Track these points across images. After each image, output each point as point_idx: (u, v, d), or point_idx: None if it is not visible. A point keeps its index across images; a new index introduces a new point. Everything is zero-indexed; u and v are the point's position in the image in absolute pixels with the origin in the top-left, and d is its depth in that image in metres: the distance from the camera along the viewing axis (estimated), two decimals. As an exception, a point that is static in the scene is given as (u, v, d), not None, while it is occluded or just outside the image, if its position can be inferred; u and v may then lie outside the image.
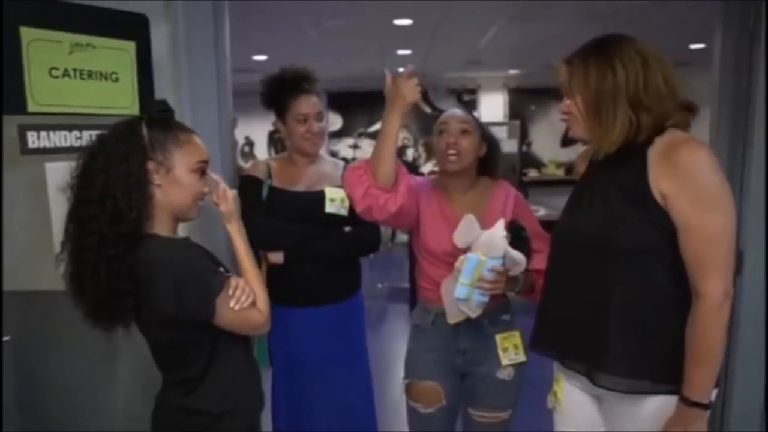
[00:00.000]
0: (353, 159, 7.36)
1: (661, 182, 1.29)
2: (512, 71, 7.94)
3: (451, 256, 1.76)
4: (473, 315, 1.72)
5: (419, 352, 1.95)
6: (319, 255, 2.07)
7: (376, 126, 8.49)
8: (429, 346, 1.92)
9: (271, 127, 8.42)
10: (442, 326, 1.84)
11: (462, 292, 1.67)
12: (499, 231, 1.68)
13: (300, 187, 2.13)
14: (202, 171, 1.40)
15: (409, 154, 8.38)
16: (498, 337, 1.88)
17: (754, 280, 1.90)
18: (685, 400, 1.29)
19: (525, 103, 8.36)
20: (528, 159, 8.33)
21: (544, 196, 6.25)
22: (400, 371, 2.01)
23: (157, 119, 1.37)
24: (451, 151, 1.84)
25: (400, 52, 6.15)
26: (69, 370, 1.88)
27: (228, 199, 1.47)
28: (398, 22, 4.68)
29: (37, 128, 1.65)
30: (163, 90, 1.86)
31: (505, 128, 7.62)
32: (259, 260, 1.66)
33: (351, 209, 2.04)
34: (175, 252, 1.33)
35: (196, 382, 1.38)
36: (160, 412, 1.45)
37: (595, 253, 1.37)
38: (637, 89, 1.31)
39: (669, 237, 1.30)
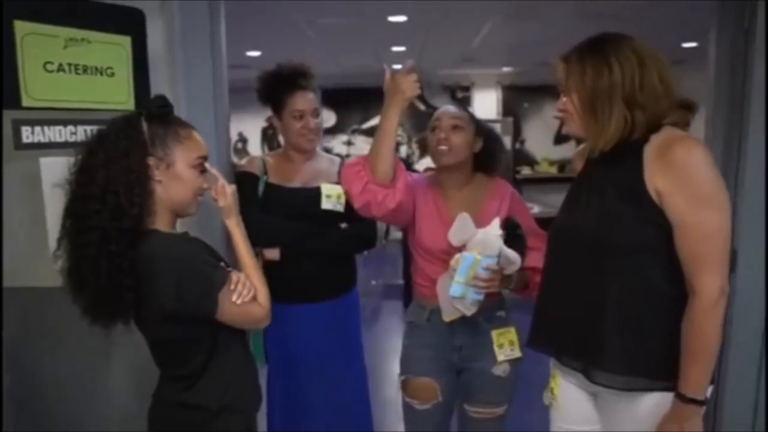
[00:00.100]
0: (347, 156, 7.35)
1: (656, 180, 1.29)
2: (506, 69, 7.95)
3: (446, 254, 1.76)
4: (468, 313, 1.73)
5: (415, 348, 1.95)
6: (316, 252, 2.07)
7: (370, 123, 8.50)
8: (424, 342, 1.92)
9: (264, 124, 8.40)
10: (438, 323, 1.85)
11: (457, 291, 1.67)
12: (494, 230, 1.68)
13: (296, 184, 2.13)
14: (201, 166, 1.40)
15: (403, 151, 8.38)
16: (493, 334, 1.89)
17: (748, 277, 1.91)
18: (680, 397, 1.30)
19: (518, 100, 8.37)
20: (521, 156, 8.35)
21: (537, 193, 6.28)
22: (394, 368, 2.02)
23: (157, 114, 1.36)
24: (442, 147, 1.84)
25: (395, 48, 6.14)
26: (63, 367, 1.87)
27: (227, 194, 1.47)
28: (393, 18, 4.67)
29: (32, 123, 1.63)
30: (158, 86, 1.85)
31: (498, 126, 7.64)
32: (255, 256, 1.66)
33: (347, 205, 2.04)
34: (176, 247, 1.33)
35: (195, 378, 1.38)
36: (157, 409, 1.45)
37: (592, 251, 1.38)
38: (633, 87, 1.31)
39: (665, 235, 1.30)
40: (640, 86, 1.31)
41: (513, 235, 1.74)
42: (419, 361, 1.93)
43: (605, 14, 4.20)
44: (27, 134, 1.63)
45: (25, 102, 1.61)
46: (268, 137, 8.54)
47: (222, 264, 1.40)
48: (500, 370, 1.88)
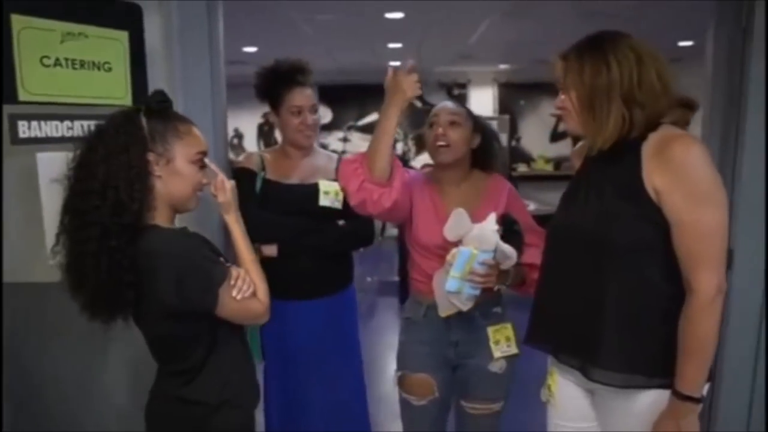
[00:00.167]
0: (343, 152, 7.35)
1: (654, 178, 1.30)
2: (502, 66, 7.94)
3: (442, 249, 1.77)
4: (464, 308, 1.73)
5: (411, 344, 1.96)
6: (314, 248, 2.07)
7: (366, 119, 8.48)
8: (420, 338, 1.93)
9: (260, 120, 8.38)
10: (434, 319, 1.85)
11: (453, 285, 1.67)
12: (490, 225, 1.68)
13: (294, 180, 2.12)
14: (201, 162, 1.40)
15: (399, 147, 8.37)
16: (490, 330, 1.89)
17: (744, 275, 1.92)
18: (677, 394, 1.31)
19: (514, 98, 8.37)
20: (517, 154, 8.35)
21: (533, 190, 6.27)
22: (389, 364, 2.03)
23: (156, 110, 1.35)
24: (440, 143, 1.85)
25: (391, 45, 6.13)
26: (59, 363, 1.86)
27: (226, 189, 1.47)
28: (390, 15, 4.66)
29: (28, 118, 1.63)
30: (156, 81, 1.85)
31: (494, 123, 7.63)
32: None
33: (345, 202, 2.04)
34: (176, 243, 1.32)
35: (194, 372, 1.38)
36: (155, 405, 1.44)
37: (590, 249, 1.38)
38: (631, 85, 1.32)
39: (662, 233, 1.31)
40: (638, 84, 1.32)
41: (510, 231, 1.74)
42: (415, 356, 1.93)
43: (602, 13, 4.21)
44: (24, 129, 1.62)
45: (22, 96, 1.60)
46: (264, 133, 8.52)
47: (222, 259, 1.40)
48: (496, 367, 1.89)
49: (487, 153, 1.95)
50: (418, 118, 7.83)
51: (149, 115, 1.34)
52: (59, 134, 1.69)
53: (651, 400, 1.35)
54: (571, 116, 1.42)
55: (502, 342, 1.89)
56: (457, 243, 1.71)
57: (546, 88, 7.81)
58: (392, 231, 5.29)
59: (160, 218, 1.35)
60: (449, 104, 1.92)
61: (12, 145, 1.61)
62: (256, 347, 2.12)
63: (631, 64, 1.32)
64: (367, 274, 5.81)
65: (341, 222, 2.10)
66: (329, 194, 2.06)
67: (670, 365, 1.32)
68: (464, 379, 1.93)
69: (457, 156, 1.87)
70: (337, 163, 2.21)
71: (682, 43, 5.73)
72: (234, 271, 1.36)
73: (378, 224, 2.24)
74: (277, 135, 2.20)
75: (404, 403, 1.99)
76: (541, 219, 1.94)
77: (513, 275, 1.79)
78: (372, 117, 8.47)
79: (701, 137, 2.09)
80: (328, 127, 8.38)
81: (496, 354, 1.88)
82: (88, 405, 1.90)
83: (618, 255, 1.34)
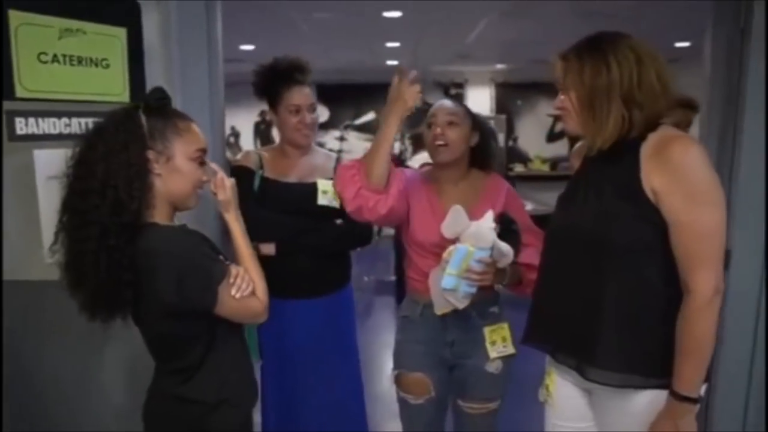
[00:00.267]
0: (340, 151, 7.35)
1: (652, 178, 1.30)
2: (499, 66, 7.95)
3: (438, 247, 1.77)
4: (460, 306, 1.73)
5: (407, 343, 1.96)
6: (312, 247, 2.07)
7: (363, 118, 8.48)
8: (416, 338, 1.93)
9: (256, 118, 8.36)
10: (430, 318, 1.85)
11: (449, 283, 1.67)
12: (487, 222, 1.68)
13: (292, 179, 2.12)
14: (201, 159, 1.39)
15: (396, 147, 8.37)
16: (486, 330, 1.89)
17: (741, 276, 1.92)
18: (674, 394, 1.31)
19: (511, 97, 8.38)
20: (514, 154, 8.36)
21: (530, 190, 6.28)
22: (386, 363, 2.03)
23: (155, 107, 1.35)
24: (439, 142, 1.85)
25: (389, 44, 6.13)
26: (55, 362, 1.85)
27: (226, 187, 1.46)
28: (387, 14, 4.66)
29: (26, 114, 1.62)
30: (154, 78, 1.84)
31: (491, 123, 7.62)
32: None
33: (342, 201, 2.04)
34: (175, 241, 1.32)
35: (192, 371, 1.37)
36: (153, 403, 1.44)
37: (589, 249, 1.38)
38: (631, 86, 1.32)
39: (661, 233, 1.31)
40: (638, 84, 1.32)
41: (508, 231, 1.74)
42: (412, 356, 1.94)
43: (599, 13, 4.22)
44: (21, 126, 1.61)
45: (19, 93, 1.59)
46: (261, 132, 8.50)
47: (221, 257, 1.40)
48: (493, 367, 1.89)
49: (485, 152, 1.95)
50: (415, 117, 7.77)
51: (148, 112, 1.33)
52: (57, 131, 1.68)
53: (648, 400, 1.36)
54: (571, 116, 1.42)
55: (498, 342, 1.89)
56: (454, 241, 1.72)
57: (543, 88, 7.82)
58: (389, 230, 5.28)
59: (160, 216, 1.34)
60: (447, 103, 1.92)
61: (9, 141, 1.60)
62: (254, 346, 2.11)
63: (631, 65, 1.32)
64: (363, 274, 5.81)
65: (339, 221, 2.10)
66: (327, 193, 2.05)
67: (668, 365, 1.32)
68: (461, 379, 1.93)
69: (456, 155, 1.87)
70: (336, 162, 2.22)
71: (678, 44, 5.75)
72: (233, 269, 1.35)
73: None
74: (274, 133, 2.20)
75: (402, 402, 1.99)
76: (537, 219, 1.95)
77: (510, 275, 1.79)
78: (369, 116, 8.46)
79: (699, 137, 2.09)
80: (324, 126, 8.37)
81: (492, 354, 1.88)
82: (86, 404, 1.89)
83: (617, 255, 1.35)
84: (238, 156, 2.26)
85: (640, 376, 1.36)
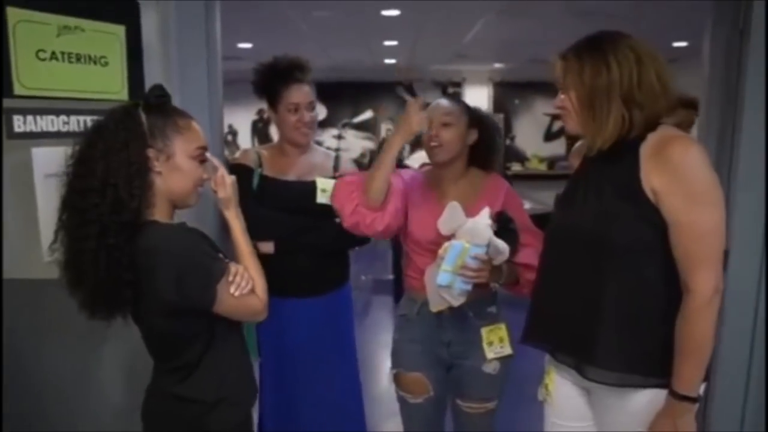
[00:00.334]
0: (338, 149, 7.34)
1: (652, 178, 1.30)
2: (497, 65, 7.96)
3: (435, 245, 1.77)
4: (455, 303, 1.72)
5: (404, 342, 1.97)
6: (311, 246, 2.07)
7: (361, 117, 8.48)
8: (413, 336, 1.94)
9: (254, 116, 8.35)
10: (427, 317, 1.85)
11: (444, 279, 1.67)
12: (483, 219, 1.68)
13: (291, 177, 2.11)
14: (201, 157, 1.39)
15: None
16: (483, 331, 1.89)
17: (739, 276, 1.92)
18: (674, 394, 1.31)
19: (509, 97, 8.39)
20: (511, 153, 8.37)
21: (527, 189, 6.28)
22: (383, 363, 2.03)
23: (155, 105, 1.34)
24: (433, 143, 1.85)
25: (387, 43, 6.12)
26: (54, 361, 1.84)
27: (227, 185, 1.46)
28: (386, 12, 4.65)
29: (24, 112, 1.60)
30: (152, 78, 1.82)
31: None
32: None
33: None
34: (174, 239, 1.31)
35: (191, 369, 1.36)
36: (152, 402, 1.43)
37: (589, 249, 1.38)
38: (631, 86, 1.32)
39: (660, 233, 1.31)
40: (638, 84, 1.32)
41: (506, 230, 1.74)
42: (409, 355, 1.94)
43: (597, 13, 4.22)
44: (19, 123, 1.60)
45: (17, 90, 1.58)
46: (259, 130, 8.49)
47: (220, 255, 1.39)
48: (490, 368, 1.89)
49: (485, 150, 1.94)
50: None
51: (148, 110, 1.33)
52: (55, 129, 1.67)
53: (647, 400, 1.36)
54: (571, 116, 1.42)
55: (495, 343, 1.89)
56: (450, 238, 1.71)
57: (541, 88, 7.84)
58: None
59: (159, 214, 1.34)
60: (443, 103, 1.91)
61: (7, 139, 1.59)
62: (253, 344, 2.11)
63: (631, 65, 1.32)
64: (361, 272, 5.81)
65: (338, 220, 2.09)
66: (326, 192, 2.04)
67: (667, 365, 1.32)
68: (458, 379, 1.93)
69: (451, 155, 1.87)
70: (335, 160, 2.22)
71: (676, 44, 5.75)
72: (232, 267, 1.35)
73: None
74: (272, 132, 2.20)
75: (401, 401, 2.00)
76: (535, 218, 1.94)
77: (506, 274, 1.79)
78: (367, 114, 8.47)
79: (698, 137, 2.09)
80: (322, 125, 8.37)
81: (490, 355, 1.88)
82: (84, 403, 1.88)
83: (616, 255, 1.35)
84: (237, 154, 2.26)
85: (639, 376, 1.36)
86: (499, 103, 8.33)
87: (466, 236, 1.67)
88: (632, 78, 1.32)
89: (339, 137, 8.45)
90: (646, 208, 1.31)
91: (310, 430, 2.16)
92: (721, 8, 2.00)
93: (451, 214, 1.72)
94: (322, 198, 2.05)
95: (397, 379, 1.99)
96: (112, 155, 1.26)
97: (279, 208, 2.04)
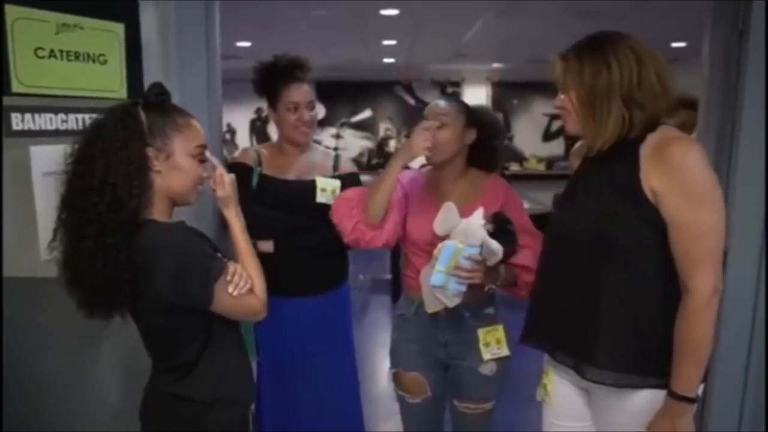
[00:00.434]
0: (336, 149, 7.34)
1: (651, 178, 1.30)
2: (496, 65, 7.96)
3: (432, 245, 1.76)
4: (450, 305, 1.72)
5: (402, 342, 1.97)
6: (310, 245, 2.06)
7: (359, 116, 8.47)
8: (410, 336, 1.94)
9: (252, 115, 8.33)
10: (423, 317, 1.85)
11: (438, 279, 1.67)
12: (477, 219, 1.68)
13: (290, 176, 2.11)
14: (201, 155, 1.38)
15: (392, 145, 8.38)
16: (480, 332, 1.88)
17: (737, 276, 1.92)
18: (672, 394, 1.32)
19: (508, 97, 8.39)
20: (509, 153, 8.37)
21: (525, 189, 6.28)
22: (381, 362, 2.03)
23: (154, 103, 1.33)
24: (428, 144, 1.84)
25: (386, 42, 6.12)
26: (52, 360, 1.84)
27: (225, 183, 1.44)
28: (385, 12, 4.65)
29: (22, 110, 1.60)
30: (151, 75, 1.82)
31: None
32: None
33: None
34: (173, 238, 1.30)
35: (188, 368, 1.36)
36: (149, 402, 1.43)
37: (588, 249, 1.38)
38: (631, 86, 1.32)
39: (660, 234, 1.31)
40: (638, 84, 1.32)
41: (503, 231, 1.73)
42: (407, 355, 1.94)
43: (595, 12, 4.23)
44: (17, 121, 1.59)
45: (16, 88, 1.57)
46: (257, 129, 8.47)
47: (219, 255, 1.39)
48: (487, 369, 1.88)
49: (484, 150, 1.93)
50: (411, 115, 7.81)
51: (147, 108, 1.32)
52: (53, 127, 1.67)
53: (646, 400, 1.36)
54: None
55: (492, 344, 1.88)
56: (446, 238, 1.71)
57: (539, 88, 7.83)
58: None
59: (158, 213, 1.33)
60: (440, 104, 1.90)
61: (5, 137, 1.58)
62: (251, 343, 2.10)
63: (631, 65, 1.32)
64: (359, 272, 5.80)
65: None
66: (326, 191, 2.05)
67: (666, 365, 1.32)
68: (456, 380, 1.93)
69: (447, 155, 1.86)
70: (334, 160, 2.22)
71: (675, 44, 5.76)
72: (231, 266, 1.34)
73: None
74: (270, 130, 2.20)
75: (400, 400, 2.01)
76: (533, 218, 1.94)
77: (503, 275, 1.79)
78: (365, 114, 8.46)
79: (697, 137, 2.09)
80: (321, 124, 8.35)
81: (486, 356, 1.87)
82: (82, 402, 1.88)
83: (616, 255, 1.35)
84: (236, 153, 2.26)
85: (638, 376, 1.36)
86: (497, 103, 8.32)
87: (460, 237, 1.67)
88: (632, 78, 1.32)
89: (337, 136, 8.44)
90: (646, 209, 1.31)
91: (308, 430, 2.16)
92: (721, 8, 2.00)
93: (446, 215, 1.72)
94: (321, 197, 2.05)
95: (395, 378, 1.99)
96: (111, 154, 1.25)
97: (278, 207, 2.04)
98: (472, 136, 1.90)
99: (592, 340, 1.37)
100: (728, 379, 2.01)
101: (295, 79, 2.07)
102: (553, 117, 7.93)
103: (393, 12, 4.65)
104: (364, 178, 2.25)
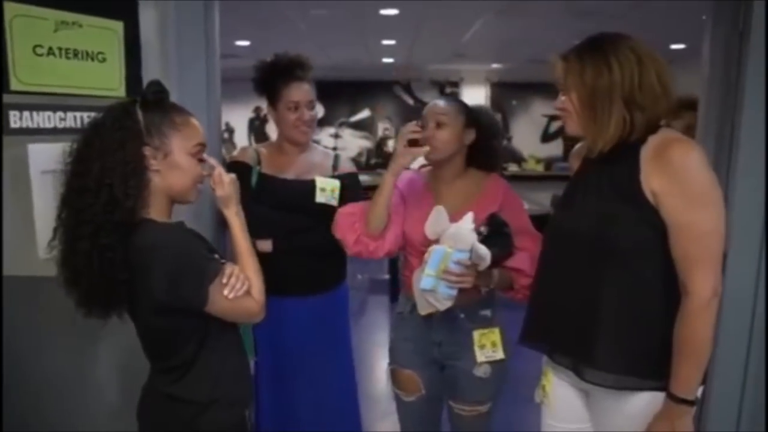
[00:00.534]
0: (335, 148, 7.34)
1: (652, 180, 1.30)
2: (495, 65, 7.96)
3: (426, 246, 1.76)
4: (442, 307, 1.71)
5: (398, 341, 1.98)
6: (309, 245, 2.06)
7: (358, 116, 8.47)
8: (406, 335, 1.94)
9: (251, 114, 8.33)
10: (418, 316, 1.84)
11: (427, 283, 1.66)
12: (466, 224, 1.67)
13: (290, 175, 2.11)
14: (200, 154, 1.37)
15: (390, 145, 8.37)
16: (476, 334, 1.87)
17: (735, 278, 1.92)
18: (671, 396, 1.31)
19: (506, 97, 8.39)
20: (508, 153, 8.36)
21: (524, 190, 6.28)
22: (379, 362, 2.03)
23: (152, 101, 1.33)
24: (426, 144, 1.84)
25: (385, 42, 6.11)
26: (50, 360, 1.83)
27: (224, 183, 1.43)
28: (384, 12, 4.65)
29: (20, 108, 1.59)
30: (150, 73, 1.81)
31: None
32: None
33: (340, 199, 2.04)
34: (171, 238, 1.30)
35: (185, 369, 1.35)
36: (147, 402, 1.43)
37: (588, 250, 1.38)
38: (632, 87, 1.32)
39: (660, 236, 1.31)
40: (639, 86, 1.32)
41: (500, 233, 1.72)
42: (403, 353, 1.95)
43: (595, 13, 4.23)
44: (15, 119, 1.59)
45: (14, 86, 1.57)
46: (255, 128, 8.47)
47: (216, 256, 1.38)
48: (481, 371, 1.86)
49: (483, 150, 1.93)
50: (410, 115, 7.82)
51: (145, 107, 1.31)
52: (51, 125, 1.66)
53: (645, 402, 1.36)
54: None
55: (487, 346, 1.87)
56: (438, 242, 1.71)
57: (538, 89, 7.83)
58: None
59: (156, 212, 1.32)
60: (439, 103, 1.89)
61: (3, 135, 1.58)
62: (249, 343, 2.09)
63: (632, 66, 1.32)
64: (357, 272, 5.80)
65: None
66: (326, 191, 2.04)
67: (665, 367, 1.32)
68: (451, 380, 1.92)
69: (445, 155, 1.85)
70: (334, 160, 2.21)
71: (674, 46, 5.76)
72: (228, 268, 1.33)
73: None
74: (268, 130, 2.20)
75: (397, 399, 2.01)
76: (531, 219, 1.93)
77: (498, 279, 1.78)
78: (364, 113, 8.46)
79: (697, 138, 2.09)
80: (319, 123, 8.31)
81: (480, 358, 1.86)
82: (82, 402, 1.87)
83: (615, 256, 1.34)
84: (235, 152, 2.25)
85: (637, 378, 1.36)
86: (496, 104, 8.32)
87: (450, 241, 1.66)
88: (633, 79, 1.31)
89: (336, 136, 8.44)
90: (646, 210, 1.31)
91: (306, 430, 2.16)
92: (721, 9, 2.00)
93: (436, 219, 1.71)
94: (321, 197, 2.04)
95: (392, 375, 1.99)
96: (108, 155, 1.24)
97: (277, 206, 2.03)
98: (471, 136, 1.89)
99: (592, 342, 1.37)
100: (727, 380, 2.01)
101: (295, 78, 2.06)
102: (552, 118, 7.94)
103: (392, 12, 4.65)
104: (363, 178, 2.25)
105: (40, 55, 1.61)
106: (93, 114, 1.37)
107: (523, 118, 8.40)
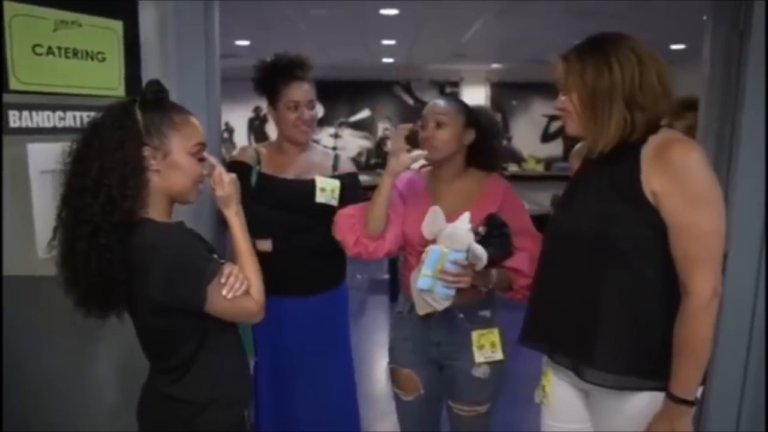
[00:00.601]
0: (334, 148, 7.35)
1: (652, 180, 1.30)
2: (495, 65, 7.96)
3: (422, 247, 1.76)
4: (439, 307, 1.71)
5: (398, 340, 1.98)
6: (309, 245, 2.06)
7: (358, 116, 8.47)
8: (404, 335, 1.94)
9: (251, 114, 8.32)
10: (416, 316, 1.85)
11: (424, 283, 1.66)
12: (462, 224, 1.67)
13: (289, 175, 2.11)
14: (200, 153, 1.37)
15: (389, 144, 8.36)
16: (474, 334, 1.87)
17: (735, 278, 1.92)
18: (671, 397, 1.31)
19: (506, 97, 8.39)
20: (508, 153, 8.36)
21: (524, 190, 6.28)
22: (378, 362, 2.03)
23: (152, 101, 1.32)
24: (426, 144, 1.84)
25: (385, 42, 6.11)
26: (50, 360, 1.83)
27: (224, 183, 1.42)
28: (384, 11, 4.64)
29: (19, 107, 1.59)
30: (150, 73, 1.81)
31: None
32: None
33: (340, 199, 2.03)
34: (170, 238, 1.29)
35: (184, 369, 1.35)
36: (146, 402, 1.43)
37: (588, 251, 1.38)
38: (633, 87, 1.31)
39: (660, 236, 1.31)
40: (639, 86, 1.31)
41: (499, 234, 1.72)
42: (402, 352, 1.95)
43: (594, 13, 4.22)
44: (14, 119, 1.59)
45: (13, 85, 1.57)
46: (255, 127, 8.46)
47: (215, 256, 1.37)
48: (479, 372, 1.86)
49: (483, 150, 1.92)
50: (410, 114, 7.81)
51: (145, 107, 1.31)
52: (51, 125, 1.66)
53: (645, 402, 1.36)
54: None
55: (486, 347, 1.87)
56: (435, 242, 1.71)
57: (538, 89, 7.83)
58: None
59: (155, 212, 1.32)
60: (439, 103, 1.89)
61: (3, 134, 1.57)
62: (249, 343, 2.10)
63: (633, 66, 1.32)
64: (357, 272, 5.80)
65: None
66: (325, 191, 2.04)
67: (665, 367, 1.32)
68: (450, 380, 1.92)
69: (445, 154, 1.85)
70: (334, 159, 2.21)
71: (674, 46, 5.76)
72: (226, 268, 1.32)
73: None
74: (268, 129, 2.19)
75: (396, 398, 2.01)
76: (531, 219, 1.93)
77: (496, 279, 1.78)
78: (364, 113, 8.46)
79: (697, 138, 2.09)
80: (319, 123, 8.30)
81: (479, 359, 1.86)
82: (82, 402, 1.87)
83: (616, 257, 1.34)
84: (235, 152, 2.25)
85: (637, 378, 1.35)
86: (496, 104, 8.32)
87: (446, 241, 1.67)
88: (634, 79, 1.31)
89: (336, 136, 8.44)
90: (646, 210, 1.31)
91: (305, 430, 2.16)
92: (721, 9, 2.00)
93: (432, 219, 1.72)
94: (320, 197, 2.04)
95: (391, 374, 1.99)
96: (107, 155, 1.24)
97: (277, 206, 2.03)
98: (471, 136, 1.89)
99: (592, 342, 1.36)
100: (727, 380, 2.00)
101: (295, 78, 2.06)
102: (552, 118, 7.93)
103: (392, 12, 4.65)
104: (363, 178, 2.24)
105: (40, 54, 1.61)
106: (92, 114, 1.37)
107: (523, 118, 8.40)
